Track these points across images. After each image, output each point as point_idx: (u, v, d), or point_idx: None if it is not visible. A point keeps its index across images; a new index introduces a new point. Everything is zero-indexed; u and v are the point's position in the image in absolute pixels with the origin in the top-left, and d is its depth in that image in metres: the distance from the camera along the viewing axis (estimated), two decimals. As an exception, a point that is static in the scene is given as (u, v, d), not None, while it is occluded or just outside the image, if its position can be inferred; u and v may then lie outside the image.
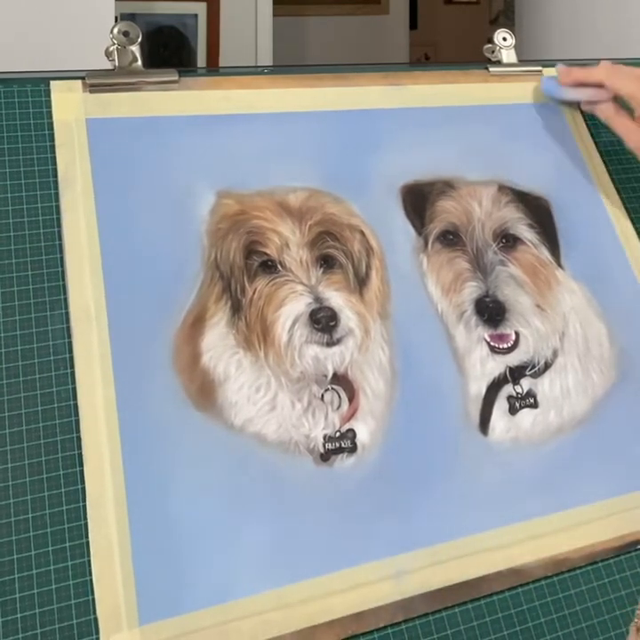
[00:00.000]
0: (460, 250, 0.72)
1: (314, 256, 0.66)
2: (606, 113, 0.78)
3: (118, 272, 0.62)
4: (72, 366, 0.58)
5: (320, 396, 0.62)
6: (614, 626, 0.62)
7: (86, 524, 0.54)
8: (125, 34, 0.71)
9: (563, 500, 0.65)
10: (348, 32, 3.07)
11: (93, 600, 0.52)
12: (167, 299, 0.62)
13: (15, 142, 0.65)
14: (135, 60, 0.71)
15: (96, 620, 0.52)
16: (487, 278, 0.71)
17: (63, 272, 0.61)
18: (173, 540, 0.55)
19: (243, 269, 0.65)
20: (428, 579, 0.59)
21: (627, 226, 0.80)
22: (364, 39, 3.09)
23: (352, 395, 0.63)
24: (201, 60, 2.08)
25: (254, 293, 0.64)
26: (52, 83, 0.68)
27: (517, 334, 0.70)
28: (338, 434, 0.62)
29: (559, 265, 0.75)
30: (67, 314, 0.60)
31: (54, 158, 0.65)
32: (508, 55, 0.86)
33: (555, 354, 0.71)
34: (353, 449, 0.62)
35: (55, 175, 0.64)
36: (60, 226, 0.63)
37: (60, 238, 0.62)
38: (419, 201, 0.73)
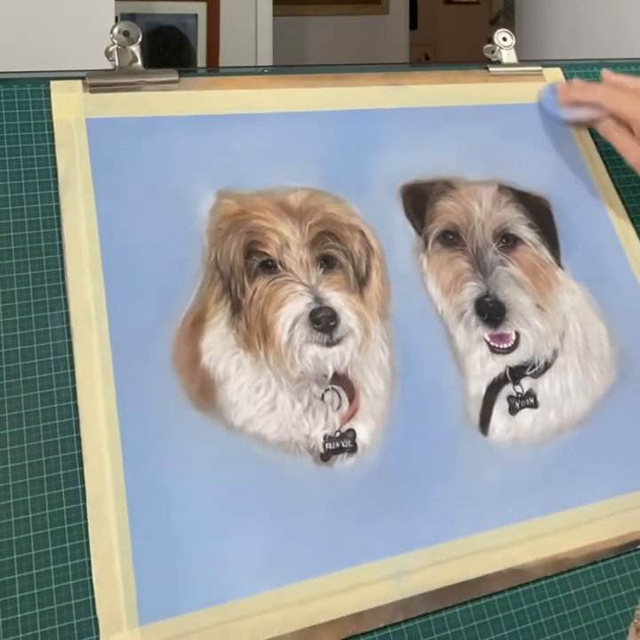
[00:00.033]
0: (460, 250, 0.72)
1: (314, 256, 0.66)
2: (606, 130, 0.77)
3: (118, 272, 0.62)
4: (72, 366, 0.58)
5: (320, 395, 0.62)
6: (614, 626, 0.62)
7: (86, 524, 0.54)
8: (125, 34, 0.71)
9: (563, 500, 0.65)
10: (348, 32, 3.07)
11: (93, 600, 0.52)
12: (167, 299, 0.62)
13: (15, 142, 0.65)
14: (135, 59, 0.71)
15: (96, 620, 0.52)
16: (487, 278, 0.71)
17: (63, 272, 0.61)
18: (173, 539, 0.55)
19: (243, 269, 0.65)
20: (428, 579, 0.59)
21: (627, 226, 0.80)
22: (364, 39, 3.09)
23: (352, 395, 0.63)
24: (201, 60, 2.09)
25: (254, 293, 0.64)
26: (51, 83, 0.68)
27: (517, 334, 0.70)
28: (338, 434, 0.62)
29: (559, 265, 0.75)
30: (67, 314, 0.60)
31: (54, 158, 0.65)
32: (507, 55, 0.86)
33: (555, 354, 0.71)
34: (353, 449, 0.62)
35: (55, 175, 0.64)
36: (60, 226, 0.63)
37: (60, 238, 0.62)
38: (419, 201, 0.73)
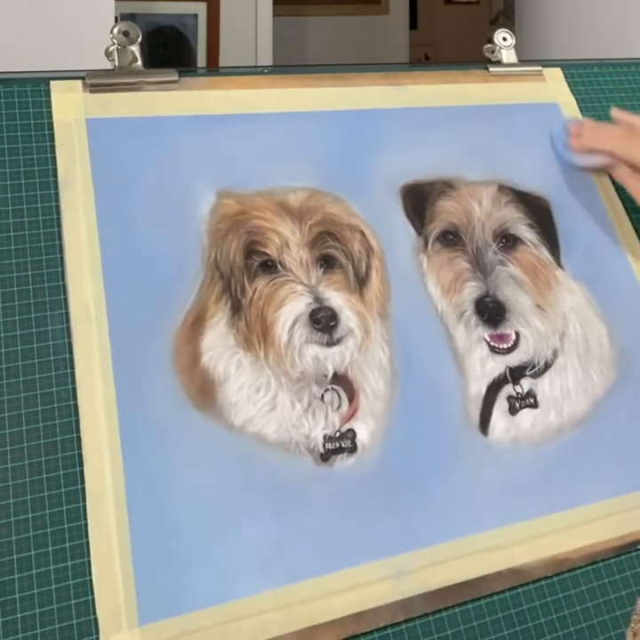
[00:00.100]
0: (460, 250, 0.72)
1: (314, 256, 0.66)
2: (621, 176, 0.75)
3: (118, 272, 0.62)
4: (72, 366, 0.58)
5: (320, 396, 0.62)
6: (614, 626, 0.62)
7: (86, 524, 0.54)
8: (125, 34, 0.71)
9: (563, 500, 0.65)
10: (348, 32, 3.07)
11: (93, 600, 0.52)
12: (167, 299, 0.62)
13: (15, 142, 0.65)
14: (135, 59, 0.71)
15: (96, 620, 0.52)
16: (487, 278, 0.71)
17: (63, 272, 0.61)
18: (173, 539, 0.55)
19: (243, 269, 0.65)
20: (428, 579, 0.59)
21: (627, 226, 0.80)
22: (364, 39, 3.09)
23: (352, 395, 0.63)
24: (201, 60, 2.08)
25: (254, 293, 0.64)
26: (51, 83, 0.68)
27: (517, 334, 0.70)
28: (338, 434, 0.62)
29: (559, 265, 0.75)
30: (67, 314, 0.60)
31: (54, 158, 0.65)
32: (507, 55, 0.86)
33: (555, 354, 0.71)
34: (353, 449, 0.62)
35: (55, 175, 0.64)
36: (59, 226, 0.63)
37: (60, 238, 0.62)
38: (419, 201, 0.73)
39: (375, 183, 0.73)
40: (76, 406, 0.57)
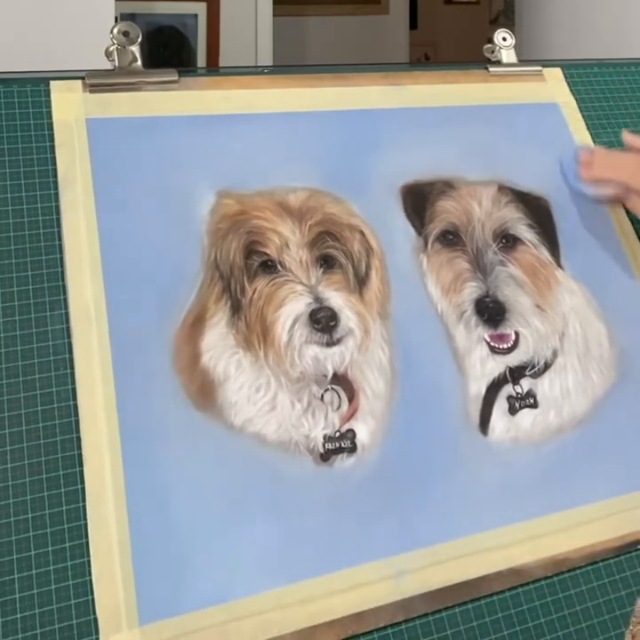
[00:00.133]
0: (460, 250, 0.72)
1: (314, 256, 0.66)
2: (635, 206, 0.74)
3: (118, 272, 0.62)
4: (72, 366, 0.58)
5: (320, 396, 0.62)
6: (614, 626, 0.62)
7: (86, 524, 0.54)
8: (125, 34, 0.71)
9: (563, 500, 0.65)
10: (348, 32, 3.07)
11: (93, 600, 0.52)
12: (167, 299, 0.62)
13: (15, 142, 0.65)
14: (135, 60, 0.71)
15: (96, 620, 0.52)
16: (487, 278, 0.71)
17: (63, 272, 0.61)
18: (173, 540, 0.55)
19: (243, 269, 0.65)
20: (428, 579, 0.59)
21: (627, 226, 0.80)
22: (364, 39, 3.09)
23: (352, 395, 0.63)
24: (201, 60, 2.08)
25: (254, 293, 0.64)
26: (51, 83, 0.68)
27: (517, 334, 0.70)
28: (338, 434, 0.62)
29: (559, 265, 0.75)
30: (67, 314, 0.60)
31: (54, 158, 0.65)
32: (507, 55, 0.86)
33: (554, 354, 0.71)
34: (353, 449, 0.62)
35: (55, 175, 0.64)
36: (59, 226, 0.63)
37: (60, 238, 0.62)
38: (419, 201, 0.73)
39: (375, 183, 0.73)
40: (75, 406, 0.57)
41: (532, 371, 0.69)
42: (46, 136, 0.66)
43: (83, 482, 0.55)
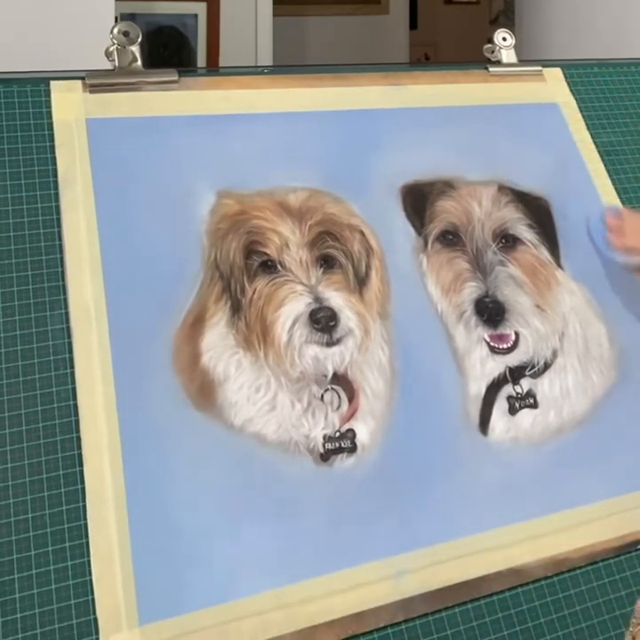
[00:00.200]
0: (460, 250, 0.72)
1: (314, 256, 0.66)
2: None
3: (118, 272, 0.61)
4: (72, 366, 0.58)
5: (320, 396, 0.62)
6: (614, 626, 0.62)
7: (86, 524, 0.54)
8: (125, 34, 0.71)
9: (563, 499, 0.65)
10: (348, 32, 3.06)
11: (93, 600, 0.52)
12: (167, 299, 0.62)
13: (15, 142, 0.65)
14: (135, 60, 0.71)
15: (96, 620, 0.52)
16: (487, 278, 0.71)
17: (63, 272, 0.61)
18: (173, 539, 0.55)
19: (243, 269, 0.65)
20: (428, 579, 0.59)
21: (627, 226, 0.80)
22: (364, 39, 3.09)
23: (352, 395, 0.63)
24: (201, 60, 2.08)
25: (254, 293, 0.64)
26: (51, 83, 0.68)
27: (517, 334, 0.70)
28: (338, 434, 0.62)
29: (559, 265, 0.75)
30: (67, 314, 0.60)
31: (54, 158, 0.65)
32: (507, 55, 0.86)
33: (554, 354, 0.71)
34: (353, 449, 0.62)
35: (55, 175, 0.64)
36: (59, 226, 0.63)
37: (60, 238, 0.62)
38: (419, 201, 0.73)
39: (375, 183, 0.72)
40: (75, 406, 0.57)
41: (532, 371, 0.69)
42: (46, 136, 0.66)
43: (83, 482, 0.55)
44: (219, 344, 0.62)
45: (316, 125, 0.74)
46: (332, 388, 0.63)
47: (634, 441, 0.70)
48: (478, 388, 0.67)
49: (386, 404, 0.64)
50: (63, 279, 0.61)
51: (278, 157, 0.71)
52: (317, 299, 0.64)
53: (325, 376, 0.63)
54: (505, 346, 0.69)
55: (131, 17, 1.92)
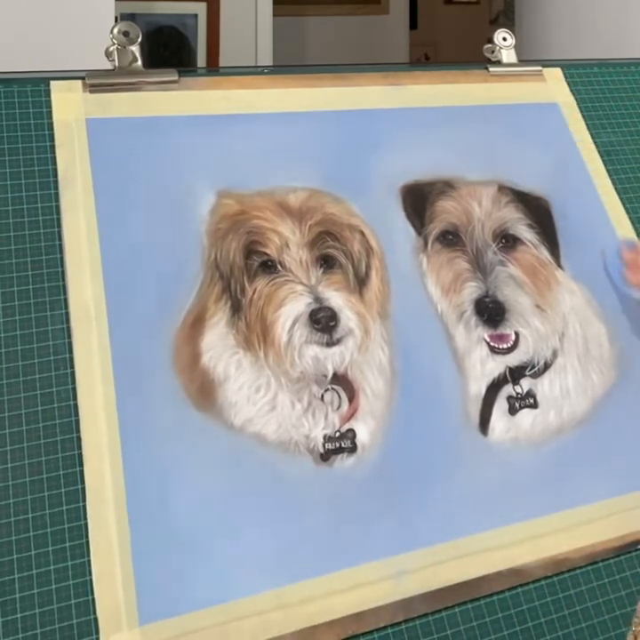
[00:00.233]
0: (460, 250, 0.72)
1: (314, 256, 0.66)
2: None
3: (118, 272, 0.62)
4: (72, 366, 0.58)
5: (320, 396, 0.62)
6: (614, 626, 0.62)
7: (86, 524, 0.54)
8: (125, 34, 0.71)
9: (563, 500, 0.65)
10: (348, 32, 3.06)
11: (93, 600, 0.52)
12: (167, 299, 0.62)
13: (15, 142, 0.65)
14: (135, 60, 0.71)
15: (96, 620, 0.52)
16: (487, 278, 0.71)
17: (63, 272, 0.61)
18: (173, 539, 0.55)
19: (243, 269, 0.65)
20: (428, 579, 0.59)
21: (627, 226, 0.80)
22: (364, 39, 3.09)
23: (352, 395, 0.63)
24: (201, 60, 2.08)
25: (254, 293, 0.64)
26: (52, 83, 0.68)
27: (517, 334, 0.70)
28: (338, 434, 0.62)
29: (559, 265, 0.75)
30: (67, 314, 0.60)
31: (54, 158, 0.65)
32: (507, 55, 0.86)
33: (554, 354, 0.71)
34: (353, 449, 0.62)
35: (55, 175, 0.64)
36: (59, 226, 0.63)
37: (60, 238, 0.62)
38: (419, 201, 0.73)
39: (375, 183, 0.72)
40: (76, 406, 0.57)
41: (532, 371, 0.69)
42: (46, 136, 0.66)
43: (83, 482, 0.55)
44: (219, 344, 0.62)
45: (315, 125, 0.74)
46: (332, 388, 0.63)
47: (634, 441, 0.70)
48: (478, 388, 0.67)
49: (386, 404, 0.64)
50: (63, 279, 0.61)
51: (278, 157, 0.71)
52: (317, 299, 0.64)
53: (325, 376, 0.63)
54: (505, 346, 0.69)
55: (131, 17, 1.92)
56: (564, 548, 0.63)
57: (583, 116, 0.85)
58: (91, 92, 0.68)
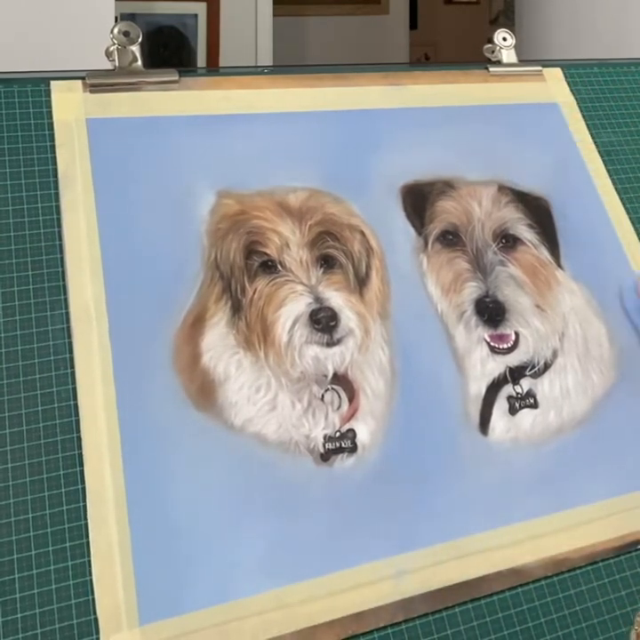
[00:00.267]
0: (460, 250, 0.72)
1: (314, 256, 0.66)
2: None
3: (118, 272, 0.62)
4: (72, 366, 0.58)
5: (320, 396, 0.62)
6: (614, 626, 0.62)
7: (86, 524, 0.54)
8: (125, 34, 0.71)
9: (563, 499, 0.65)
10: (348, 32, 3.07)
11: (93, 600, 0.52)
12: (167, 299, 0.62)
13: (15, 142, 0.65)
14: (135, 60, 0.71)
15: (96, 620, 0.52)
16: (487, 278, 0.71)
17: (63, 272, 0.61)
18: (173, 539, 0.55)
19: (243, 269, 0.65)
20: (428, 579, 0.59)
21: (627, 226, 0.80)
22: (364, 39, 3.09)
23: (352, 395, 0.63)
24: (201, 60, 2.09)
25: (254, 293, 0.64)
26: (52, 83, 0.68)
27: (517, 334, 0.70)
28: (338, 434, 0.62)
29: (559, 265, 0.75)
30: (67, 314, 0.60)
31: (54, 158, 0.65)
32: (508, 55, 0.86)
33: (554, 354, 0.71)
34: (353, 449, 0.62)
35: (55, 175, 0.64)
36: (60, 226, 0.63)
37: (60, 238, 0.62)
38: (419, 201, 0.73)
39: (375, 183, 0.73)
40: (76, 406, 0.57)
41: (532, 371, 0.69)
42: (46, 136, 0.66)
43: (83, 482, 0.55)
44: (219, 344, 0.62)
45: (315, 125, 0.74)
46: (333, 388, 0.63)
47: (634, 441, 0.70)
48: (478, 388, 0.67)
49: (386, 404, 0.64)
50: (63, 279, 0.61)
51: (278, 157, 0.71)
52: (318, 299, 0.64)
53: (326, 376, 0.63)
54: (505, 346, 0.69)
55: (131, 17, 1.92)
56: (564, 548, 0.63)
57: (583, 116, 0.85)
58: (91, 91, 0.68)
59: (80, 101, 0.68)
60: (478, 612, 0.59)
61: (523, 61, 0.87)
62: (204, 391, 0.60)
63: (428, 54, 3.94)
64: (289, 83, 0.76)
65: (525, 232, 0.75)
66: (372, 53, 3.01)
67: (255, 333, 0.63)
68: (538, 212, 0.76)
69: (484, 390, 0.67)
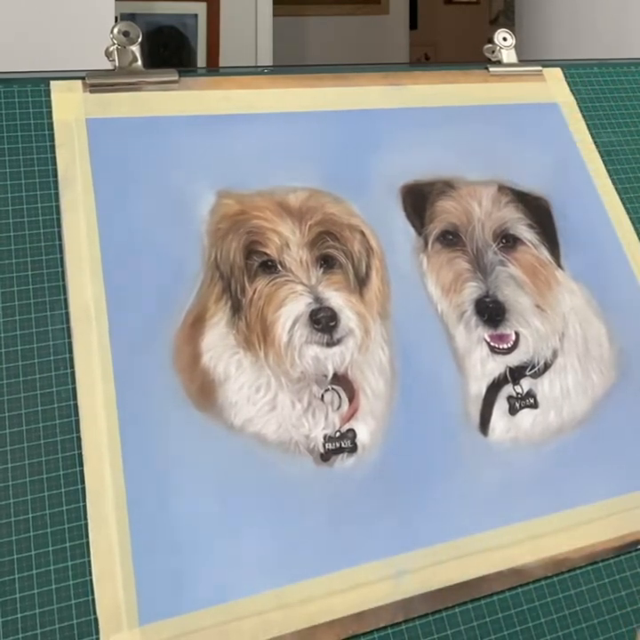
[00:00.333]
0: (460, 250, 0.72)
1: (314, 256, 0.66)
2: None
3: (118, 272, 0.62)
4: (72, 366, 0.58)
5: (320, 396, 0.62)
6: (614, 626, 0.62)
7: (86, 524, 0.54)
8: (125, 34, 0.71)
9: (563, 500, 0.65)
10: (348, 32, 3.07)
11: (93, 600, 0.52)
12: (167, 299, 0.62)
13: (15, 142, 0.65)
14: (135, 60, 0.71)
15: (96, 620, 0.52)
16: (487, 278, 0.71)
17: (63, 272, 0.61)
18: (173, 539, 0.55)
19: (243, 269, 0.65)
20: (428, 579, 0.59)
21: (627, 226, 0.80)
22: (364, 39, 3.10)
23: (352, 395, 0.63)
24: (201, 60, 2.09)
25: (254, 293, 0.64)
26: (52, 83, 0.68)
27: (517, 334, 0.70)
28: (338, 434, 0.62)
29: (559, 265, 0.75)
30: (67, 314, 0.60)
31: (54, 158, 0.65)
32: (508, 55, 0.86)
33: (554, 354, 0.71)
34: (353, 449, 0.62)
35: (55, 175, 0.64)
36: (60, 226, 0.63)
37: (60, 238, 0.62)
38: (419, 201, 0.73)
39: (375, 183, 0.73)
40: (76, 406, 0.57)
41: (532, 371, 0.69)
42: (46, 136, 0.66)
43: (83, 482, 0.55)
44: (219, 344, 0.62)
45: (316, 125, 0.74)
46: (333, 388, 0.63)
47: (634, 441, 0.70)
48: (478, 388, 0.67)
49: (386, 404, 0.64)
50: (63, 279, 0.61)
51: (278, 157, 0.71)
52: (318, 299, 0.64)
53: (326, 376, 0.63)
54: (505, 346, 0.69)
55: (131, 17, 1.92)
56: (564, 548, 0.63)
57: (583, 116, 0.85)
58: (91, 91, 0.68)
59: (80, 101, 0.68)
60: (478, 612, 0.59)
61: (523, 61, 0.87)
62: (204, 391, 0.60)
63: (428, 54, 3.94)
64: (289, 83, 0.76)
65: (525, 232, 0.75)
66: (372, 53, 3.01)
67: (255, 333, 0.63)
68: (538, 211, 0.76)
69: (484, 390, 0.67)
